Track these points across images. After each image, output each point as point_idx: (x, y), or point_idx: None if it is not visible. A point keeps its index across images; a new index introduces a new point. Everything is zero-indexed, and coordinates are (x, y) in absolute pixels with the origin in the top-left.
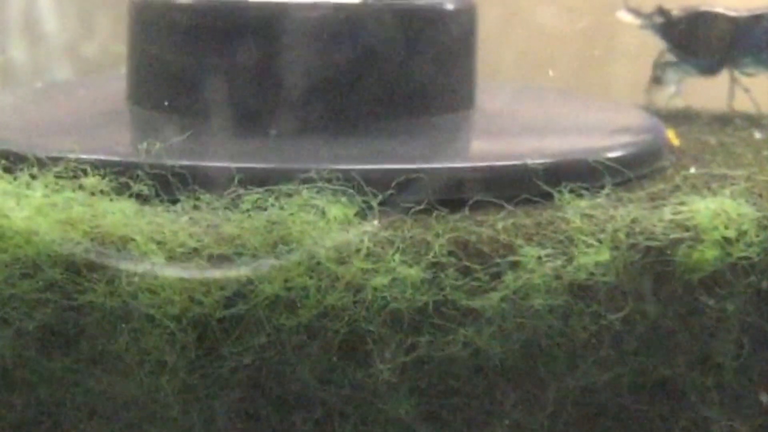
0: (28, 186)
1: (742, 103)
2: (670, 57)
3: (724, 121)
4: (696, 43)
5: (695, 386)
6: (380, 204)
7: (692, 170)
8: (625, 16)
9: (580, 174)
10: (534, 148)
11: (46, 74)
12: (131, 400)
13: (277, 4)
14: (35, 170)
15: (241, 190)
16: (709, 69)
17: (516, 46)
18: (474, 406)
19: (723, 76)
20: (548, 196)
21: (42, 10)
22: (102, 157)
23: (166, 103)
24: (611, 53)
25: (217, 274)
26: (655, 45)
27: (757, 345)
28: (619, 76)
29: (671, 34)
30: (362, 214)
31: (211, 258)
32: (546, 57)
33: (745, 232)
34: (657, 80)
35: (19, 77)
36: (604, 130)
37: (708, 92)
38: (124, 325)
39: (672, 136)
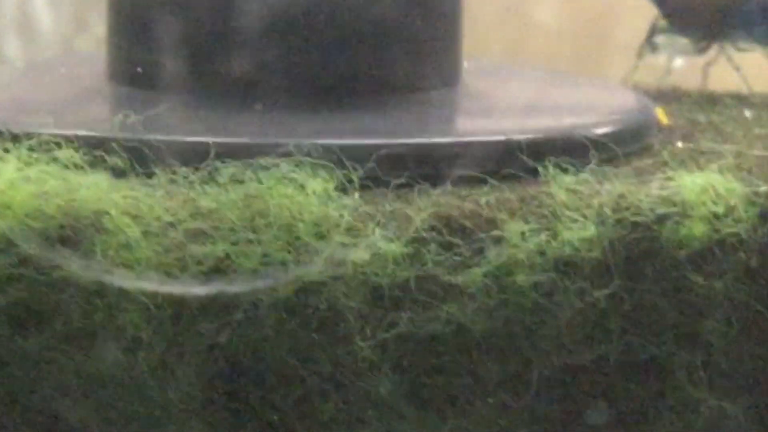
0: (1, 160)
1: (734, 83)
2: (664, 26)
3: (714, 100)
4: (689, 15)
5: (683, 365)
6: (361, 178)
7: (679, 145)
8: None
9: (566, 149)
10: (519, 124)
11: None
12: (107, 377)
13: None
14: (9, 145)
15: (218, 164)
16: (701, 41)
17: (512, 41)
18: (457, 384)
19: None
20: (534, 172)
21: (36, 4)
22: (77, 132)
23: (143, 78)
24: (606, 48)
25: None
26: None
27: (746, 323)
28: (614, 71)
29: (666, 4)
30: (342, 188)
31: (187, 233)
32: (542, 52)
33: (733, 208)
34: (651, 45)
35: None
36: (591, 107)
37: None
38: (99, 301)
39: (661, 114)
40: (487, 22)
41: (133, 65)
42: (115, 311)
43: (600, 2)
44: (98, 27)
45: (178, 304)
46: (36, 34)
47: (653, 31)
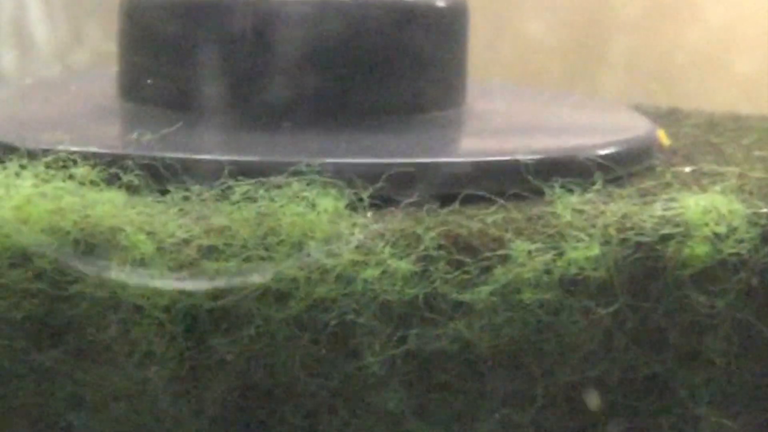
0: (17, 176)
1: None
2: None
3: (714, 122)
4: None
5: (685, 382)
6: (371, 197)
7: (683, 168)
8: None
9: (571, 170)
10: (525, 145)
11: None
12: (120, 390)
13: (267, 0)
14: (25, 161)
15: (231, 182)
16: None
17: (505, 57)
18: (463, 399)
19: None
20: (539, 192)
21: (32, 17)
22: (92, 149)
23: (157, 97)
24: (598, 64)
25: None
26: (644, 54)
27: (747, 341)
28: (608, 88)
29: None
30: (352, 207)
31: (200, 249)
32: (535, 69)
33: (735, 229)
34: None
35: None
36: (595, 128)
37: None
38: (113, 316)
39: (662, 136)
40: (479, 38)
41: (147, 85)
42: (128, 325)
43: (592, 19)
44: (94, 40)
45: (191, 318)
46: (31, 47)
47: None
